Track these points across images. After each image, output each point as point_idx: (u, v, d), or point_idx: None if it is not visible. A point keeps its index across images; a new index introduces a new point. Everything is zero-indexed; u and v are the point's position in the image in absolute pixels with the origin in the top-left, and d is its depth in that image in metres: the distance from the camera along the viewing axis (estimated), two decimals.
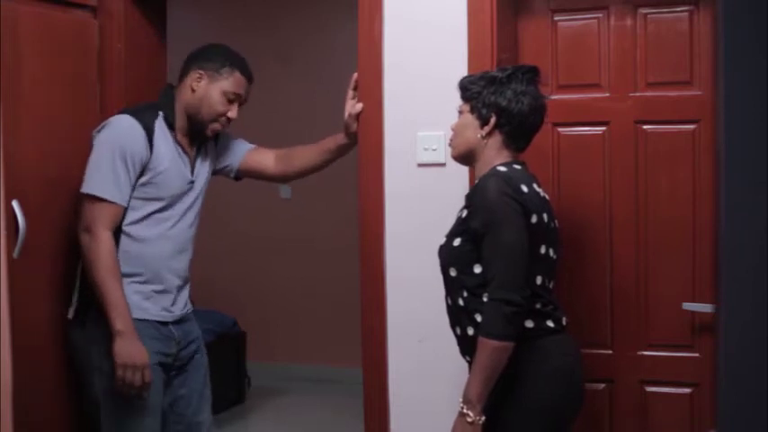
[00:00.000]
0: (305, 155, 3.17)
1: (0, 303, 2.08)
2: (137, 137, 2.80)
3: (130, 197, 2.82)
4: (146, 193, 2.84)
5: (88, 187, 2.79)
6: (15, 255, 2.72)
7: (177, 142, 2.91)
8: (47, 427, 2.92)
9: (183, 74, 2.95)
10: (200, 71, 2.91)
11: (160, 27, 3.46)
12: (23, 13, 2.83)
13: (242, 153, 3.16)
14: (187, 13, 5.77)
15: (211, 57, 2.94)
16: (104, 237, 2.76)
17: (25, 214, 2.74)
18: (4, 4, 2.70)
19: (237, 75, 2.93)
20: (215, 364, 3.25)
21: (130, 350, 2.72)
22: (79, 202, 2.82)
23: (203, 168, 3.02)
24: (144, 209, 2.85)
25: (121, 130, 2.81)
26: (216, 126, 2.94)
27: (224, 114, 2.92)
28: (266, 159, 3.18)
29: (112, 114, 2.94)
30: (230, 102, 2.92)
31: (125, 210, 2.81)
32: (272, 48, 6.11)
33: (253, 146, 3.20)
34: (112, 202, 2.78)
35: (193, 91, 2.91)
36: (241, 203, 6.24)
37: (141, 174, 2.82)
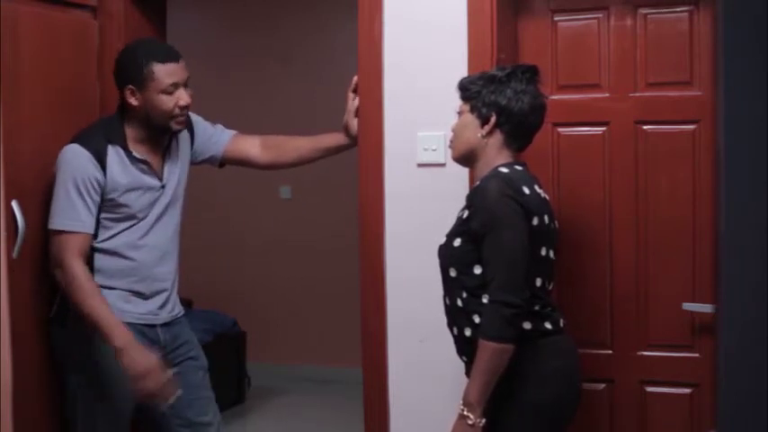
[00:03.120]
0: (300, 147, 3.14)
1: (0, 303, 2.08)
2: (86, 163, 2.76)
3: (99, 219, 2.80)
4: (116, 213, 2.82)
5: (51, 223, 2.78)
6: (15, 255, 2.72)
7: (135, 158, 2.84)
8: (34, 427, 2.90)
9: (120, 94, 2.86)
10: (129, 86, 2.81)
11: (160, 27, 3.46)
12: (23, 13, 2.83)
13: (224, 141, 3.11)
14: (187, 13, 5.77)
15: (128, 66, 2.82)
16: (76, 266, 2.74)
17: (25, 214, 2.74)
18: (4, 5, 2.70)
19: (159, 67, 2.79)
20: (215, 364, 3.24)
21: (136, 359, 2.70)
22: (49, 242, 2.80)
23: (174, 168, 2.95)
24: (116, 227, 2.84)
25: (71, 160, 2.77)
26: (176, 121, 2.85)
27: (175, 107, 2.81)
28: (252, 147, 3.14)
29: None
30: (172, 93, 2.80)
31: (95, 233, 2.80)
32: (272, 48, 6.08)
33: (233, 132, 3.15)
34: (76, 232, 2.75)
35: (135, 106, 2.82)
36: (241, 204, 6.24)
37: (102, 196, 2.78)
